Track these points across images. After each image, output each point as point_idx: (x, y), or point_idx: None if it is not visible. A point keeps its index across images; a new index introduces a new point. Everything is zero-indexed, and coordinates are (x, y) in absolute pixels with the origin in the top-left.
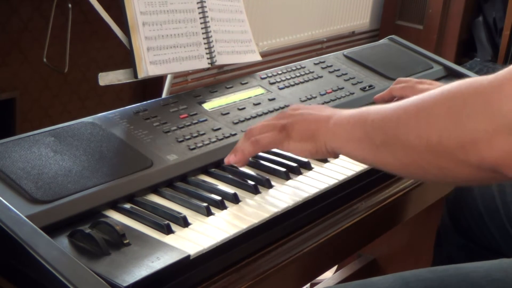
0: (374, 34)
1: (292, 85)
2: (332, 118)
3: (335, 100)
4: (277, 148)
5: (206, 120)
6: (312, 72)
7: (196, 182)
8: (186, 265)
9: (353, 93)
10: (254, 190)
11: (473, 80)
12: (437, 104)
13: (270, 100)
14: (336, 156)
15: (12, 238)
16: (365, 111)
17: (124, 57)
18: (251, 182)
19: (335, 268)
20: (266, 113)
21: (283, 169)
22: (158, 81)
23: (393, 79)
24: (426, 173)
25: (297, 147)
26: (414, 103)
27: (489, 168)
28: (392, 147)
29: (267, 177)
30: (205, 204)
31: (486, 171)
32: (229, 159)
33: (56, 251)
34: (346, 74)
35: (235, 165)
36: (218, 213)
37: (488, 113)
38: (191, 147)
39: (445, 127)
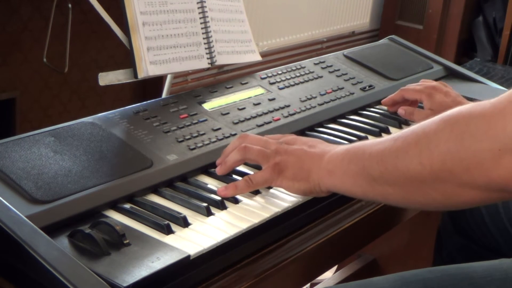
0: (374, 34)
1: (292, 85)
2: (326, 156)
3: (335, 100)
4: (270, 185)
5: (206, 120)
6: (312, 72)
7: (196, 182)
8: (186, 265)
9: (353, 93)
10: (254, 190)
11: (474, 104)
12: (438, 129)
13: (270, 100)
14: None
15: (12, 238)
16: (360, 145)
17: (124, 57)
18: None
19: (335, 268)
20: (266, 113)
21: None
22: (158, 81)
23: (393, 79)
24: (431, 201)
25: (289, 186)
26: (413, 131)
27: (498, 188)
28: (392, 178)
29: None
30: (205, 204)
31: (495, 192)
32: (221, 193)
33: (56, 251)
34: (346, 74)
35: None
36: (218, 213)
37: (492, 133)
38: (191, 147)
39: (448, 151)
